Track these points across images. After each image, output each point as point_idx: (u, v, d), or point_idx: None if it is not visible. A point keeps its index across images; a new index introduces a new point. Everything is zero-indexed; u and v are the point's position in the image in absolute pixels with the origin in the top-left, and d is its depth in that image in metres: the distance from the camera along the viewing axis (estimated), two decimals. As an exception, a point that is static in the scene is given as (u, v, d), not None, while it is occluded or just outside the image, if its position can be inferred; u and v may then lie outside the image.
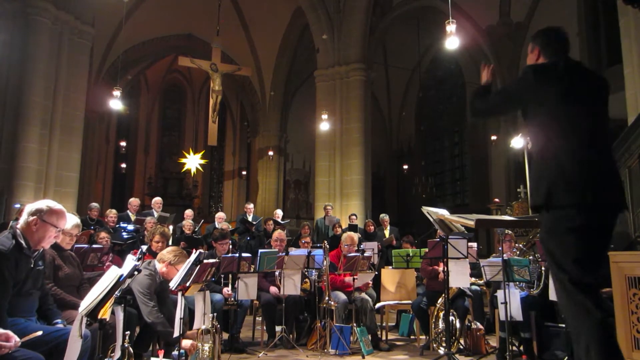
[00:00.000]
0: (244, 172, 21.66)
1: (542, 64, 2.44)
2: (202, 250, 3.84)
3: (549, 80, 2.31)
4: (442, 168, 19.17)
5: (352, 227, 8.69)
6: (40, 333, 2.18)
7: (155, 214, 8.18)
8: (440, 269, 5.08)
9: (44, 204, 2.72)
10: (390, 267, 6.66)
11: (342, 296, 5.18)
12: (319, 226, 9.55)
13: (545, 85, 2.30)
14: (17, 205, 7.27)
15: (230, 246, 5.54)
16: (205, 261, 3.74)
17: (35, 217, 2.63)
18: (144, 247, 4.83)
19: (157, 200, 8.76)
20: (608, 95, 2.40)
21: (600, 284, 2.15)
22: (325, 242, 5.33)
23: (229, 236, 5.81)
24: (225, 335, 4.88)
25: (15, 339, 2.16)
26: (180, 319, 3.60)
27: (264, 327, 5.25)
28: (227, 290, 4.87)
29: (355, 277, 5.28)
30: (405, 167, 19.24)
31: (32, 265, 2.67)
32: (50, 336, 2.52)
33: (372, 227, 9.10)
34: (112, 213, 7.90)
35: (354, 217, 9.50)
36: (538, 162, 2.30)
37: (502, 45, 14.06)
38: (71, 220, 3.33)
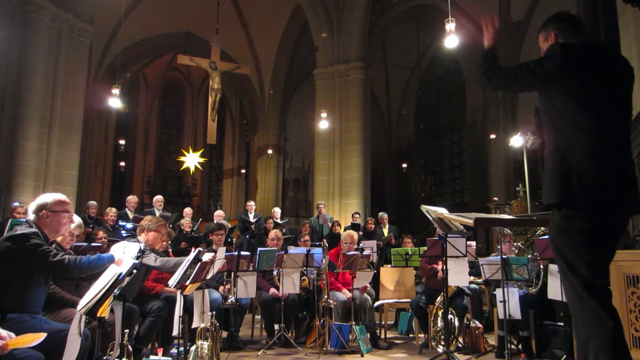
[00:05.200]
0: (243, 171, 21.65)
1: (570, 42, 2.20)
2: (201, 249, 3.83)
3: (578, 63, 2.09)
4: (441, 167, 19.18)
5: (355, 226, 8.67)
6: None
7: (157, 213, 8.06)
8: (439, 267, 5.08)
9: (45, 197, 2.76)
10: (389, 265, 6.67)
11: (341, 295, 5.18)
12: (312, 225, 9.56)
13: (574, 68, 2.08)
14: (16, 204, 7.24)
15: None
16: (204, 260, 3.73)
17: (44, 210, 2.69)
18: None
19: (158, 198, 8.60)
20: (633, 83, 2.20)
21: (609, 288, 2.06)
22: (325, 240, 5.33)
23: (225, 227, 5.81)
24: (224, 334, 4.89)
25: (11, 336, 2.16)
26: (180, 317, 3.60)
27: (263, 326, 5.25)
28: (223, 288, 4.89)
29: (353, 276, 5.28)
30: (405, 165, 19.23)
31: None
32: (49, 335, 2.51)
33: (372, 225, 9.09)
34: (112, 212, 7.82)
35: (357, 215, 9.49)
36: (554, 155, 2.11)
37: (502, 44, 14.04)
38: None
